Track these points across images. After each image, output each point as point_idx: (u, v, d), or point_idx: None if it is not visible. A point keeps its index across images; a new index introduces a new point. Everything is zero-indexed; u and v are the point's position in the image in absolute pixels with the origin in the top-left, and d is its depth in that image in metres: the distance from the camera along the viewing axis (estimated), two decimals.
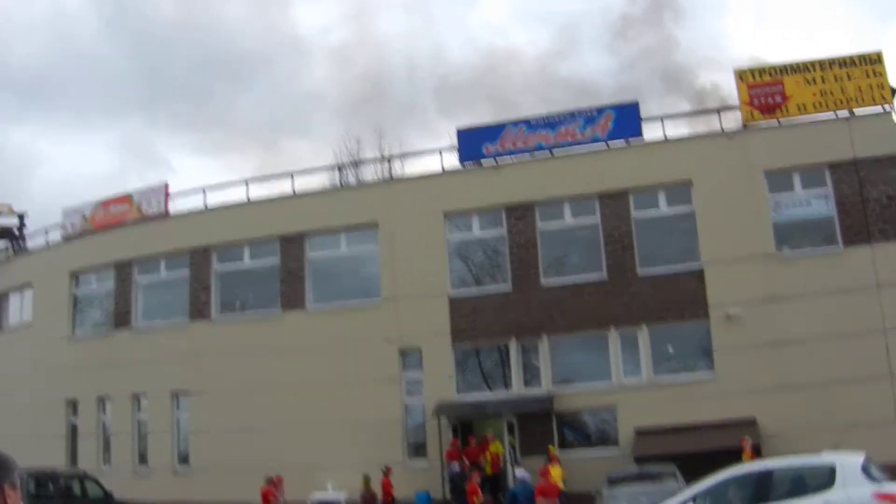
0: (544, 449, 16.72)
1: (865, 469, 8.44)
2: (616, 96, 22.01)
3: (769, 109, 17.73)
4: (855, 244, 17.16)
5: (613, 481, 13.31)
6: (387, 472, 16.17)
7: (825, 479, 8.39)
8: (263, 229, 19.16)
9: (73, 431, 21.07)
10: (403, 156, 22.37)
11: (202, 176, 60.57)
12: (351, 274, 18.74)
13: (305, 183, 19.49)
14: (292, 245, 18.87)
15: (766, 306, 16.97)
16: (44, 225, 22.44)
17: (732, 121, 18.22)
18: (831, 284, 16.85)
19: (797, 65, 17.90)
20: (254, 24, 50.80)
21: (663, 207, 17.82)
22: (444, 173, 18.84)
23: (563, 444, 17.51)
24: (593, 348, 17.83)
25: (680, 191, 17.81)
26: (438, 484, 16.80)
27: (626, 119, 17.84)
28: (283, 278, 18.83)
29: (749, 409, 16.44)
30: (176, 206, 20.08)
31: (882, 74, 17.74)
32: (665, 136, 18.22)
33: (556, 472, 13.99)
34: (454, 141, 18.55)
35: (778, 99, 17.77)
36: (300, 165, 29.08)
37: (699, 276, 17.45)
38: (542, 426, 17.40)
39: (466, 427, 17.95)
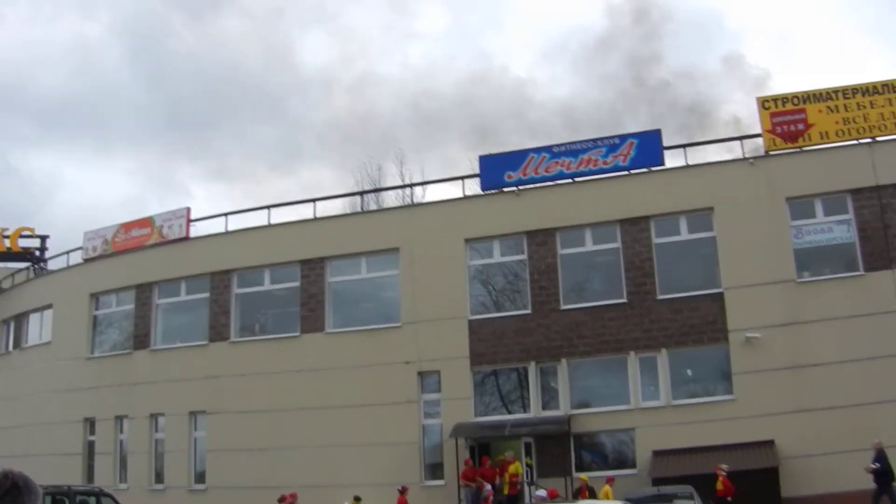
0: (561, 470, 17.91)
1: None
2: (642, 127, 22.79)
3: (792, 137, 18.77)
4: (876, 269, 18.35)
5: (632, 502, 14.17)
6: (403, 491, 17.39)
7: None
8: (284, 254, 20.38)
9: (90, 449, 22.14)
10: (426, 183, 23.40)
11: (220, 202, 62.68)
12: (371, 298, 19.76)
13: (326, 209, 20.41)
14: (313, 269, 19.90)
15: (786, 330, 18.36)
16: (65, 248, 23.55)
17: (755, 149, 18.95)
18: (852, 309, 18.19)
19: (819, 93, 19.03)
20: (269, 55, 52.29)
21: (684, 233, 19.07)
22: (466, 199, 20.20)
23: (581, 466, 18.69)
24: (612, 371, 19.25)
25: (701, 217, 19.00)
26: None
27: (649, 147, 19.01)
28: (303, 302, 19.95)
29: (767, 432, 17.70)
30: (197, 230, 21.01)
31: None
32: (687, 163, 19.01)
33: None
34: (476, 169, 19.33)
35: (800, 127, 18.86)
36: (320, 192, 30.05)
37: (719, 300, 18.76)
38: (559, 447, 18.80)
39: (484, 448, 19.24)
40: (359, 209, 23.46)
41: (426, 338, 19.53)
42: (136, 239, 22.21)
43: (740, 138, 20.25)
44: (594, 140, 19.77)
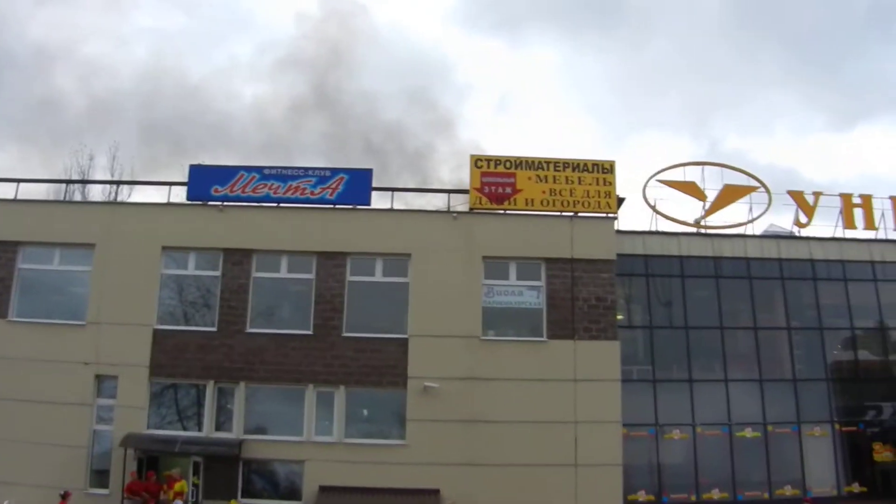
0: (228, 493, 19.30)
1: None
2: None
3: (499, 199, 20.14)
4: (559, 337, 20.41)
5: None
6: (65, 496, 18.04)
7: None
8: None
9: None
10: (133, 182, 23.87)
11: None
12: (60, 291, 20.03)
13: (29, 191, 20.56)
14: (5, 252, 20.57)
15: (465, 384, 20.11)
16: None
17: (462, 204, 20.26)
18: (532, 372, 20.20)
19: (532, 161, 20.74)
20: None
21: (379, 275, 20.20)
22: (170, 205, 20.84)
23: (249, 493, 19.42)
24: (289, 401, 20.53)
25: (398, 262, 20.19)
26: None
27: (358, 185, 20.32)
28: None
29: (435, 480, 19.44)
30: None
31: (611, 183, 20.58)
32: (392, 207, 20.09)
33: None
34: (185, 176, 19.96)
35: (508, 190, 20.15)
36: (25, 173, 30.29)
37: (404, 346, 20.33)
38: (229, 470, 19.66)
39: (152, 461, 19.84)
40: (63, 197, 23.58)
41: (109, 340, 20.21)
42: None
43: (449, 191, 21.64)
44: (306, 169, 20.96)
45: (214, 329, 20.42)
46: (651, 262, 21.80)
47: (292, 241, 20.72)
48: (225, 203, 20.96)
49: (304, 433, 19.94)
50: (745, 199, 22.64)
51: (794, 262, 22.13)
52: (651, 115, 70.29)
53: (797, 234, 22.81)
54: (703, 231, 22.34)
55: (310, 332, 20.34)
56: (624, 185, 21.55)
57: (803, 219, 22.72)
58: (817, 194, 22.82)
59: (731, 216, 22.67)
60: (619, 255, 20.96)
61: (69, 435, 19.71)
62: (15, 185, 21.33)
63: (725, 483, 20.47)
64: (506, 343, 20.36)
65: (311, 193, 20.78)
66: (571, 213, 21.09)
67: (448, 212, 21.18)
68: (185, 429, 20.33)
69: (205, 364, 20.25)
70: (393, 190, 21.65)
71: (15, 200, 21.47)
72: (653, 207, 22.37)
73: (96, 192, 25.63)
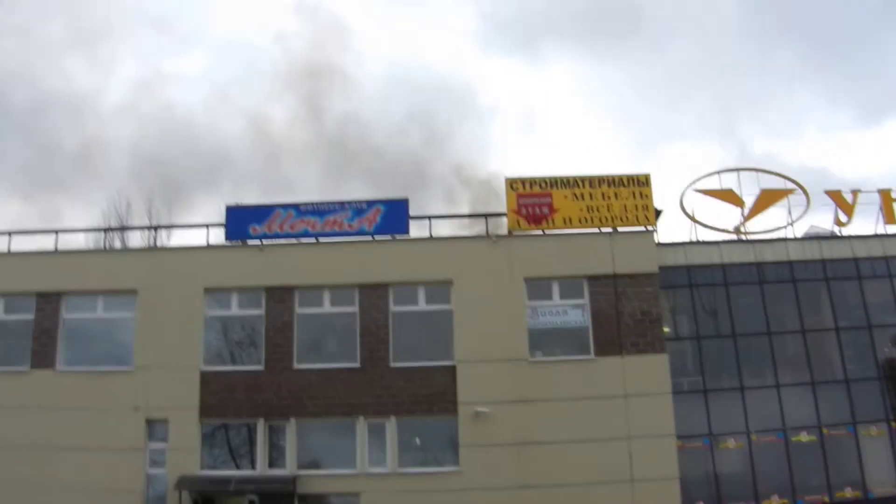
0: None
1: None
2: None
3: (536, 220, 20.64)
4: (606, 354, 20.75)
5: None
6: None
7: None
8: (21, 284, 21.10)
9: None
10: (171, 227, 24.49)
11: None
12: (105, 338, 20.81)
13: (69, 241, 21.32)
14: (49, 303, 20.98)
15: (515, 407, 20.47)
16: None
17: (500, 227, 20.89)
18: (580, 391, 20.53)
19: (567, 179, 21.15)
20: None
21: (422, 304, 20.77)
22: (209, 248, 21.45)
23: None
24: (341, 434, 20.97)
25: (440, 289, 20.78)
26: None
27: (395, 214, 20.87)
28: (36, 336, 20.94)
29: None
30: None
31: (648, 196, 21.02)
32: (431, 235, 20.67)
33: None
34: (223, 218, 20.61)
35: (545, 210, 20.66)
36: (60, 222, 31.43)
37: (451, 372, 20.80)
38: None
39: (208, 502, 20.27)
40: (102, 245, 24.31)
41: (157, 385, 20.76)
42: None
43: (486, 215, 22.16)
44: (342, 202, 21.51)
45: (262, 367, 20.97)
46: (694, 272, 22.12)
47: (333, 275, 21.24)
48: (264, 241, 21.61)
49: (358, 465, 20.40)
50: (783, 202, 22.96)
51: (837, 261, 22.37)
52: (677, 122, 70.78)
53: (838, 233, 23.11)
54: (743, 237, 22.65)
55: (357, 365, 20.85)
56: (660, 196, 21.95)
57: (843, 217, 23.03)
58: (855, 192, 23.13)
59: (770, 220, 23.01)
60: (661, 268, 21.36)
61: (123, 480, 20.26)
62: (54, 235, 22.12)
63: (784, 489, 20.72)
64: (554, 363, 20.80)
65: (349, 226, 21.35)
66: (611, 229, 21.53)
67: (487, 236, 21.66)
68: (238, 468, 20.90)
69: (254, 402, 20.81)
70: (430, 217, 22.16)
71: (56, 252, 22.21)
72: (691, 217, 22.75)
73: (135, 239, 26.45)
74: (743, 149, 62.51)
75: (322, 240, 21.65)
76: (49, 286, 21.72)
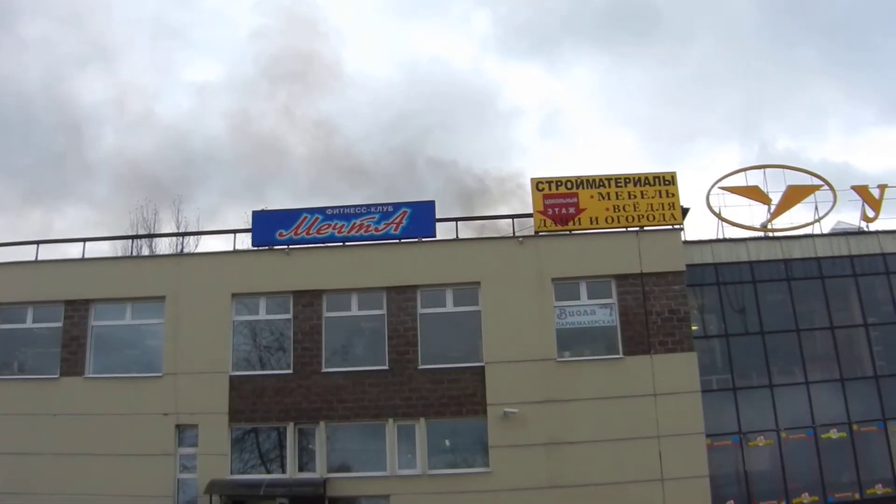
0: None
1: None
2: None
3: (562, 220, 21.06)
4: (635, 353, 21.13)
5: None
6: None
7: None
8: (49, 292, 21.64)
9: None
10: (199, 233, 25.04)
11: None
12: (134, 345, 21.26)
13: (96, 250, 21.76)
14: (77, 311, 21.50)
15: (544, 407, 20.90)
16: None
17: (527, 228, 21.28)
18: (609, 390, 20.92)
19: (593, 179, 21.52)
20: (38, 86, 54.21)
21: (450, 306, 21.20)
22: (236, 253, 21.98)
23: None
24: (371, 437, 21.42)
25: (468, 291, 21.24)
26: None
27: (421, 217, 21.30)
28: (65, 343, 21.63)
29: None
30: None
31: (674, 195, 21.42)
32: (457, 237, 21.10)
33: None
34: (249, 223, 21.08)
35: (572, 210, 21.08)
36: (85, 232, 32.12)
37: (480, 374, 21.14)
38: None
39: None
40: (129, 252, 24.78)
41: (186, 390, 21.21)
42: None
43: (513, 216, 22.53)
44: (368, 206, 21.92)
45: (290, 371, 21.40)
46: (721, 269, 22.48)
47: (361, 279, 21.66)
48: (290, 246, 22.05)
49: (388, 468, 20.83)
50: (810, 198, 23.26)
51: (865, 257, 22.67)
52: (697, 122, 71.40)
53: (866, 228, 23.44)
54: (770, 234, 23.00)
55: (386, 368, 21.27)
56: (685, 195, 22.30)
57: (870, 213, 23.32)
58: (882, 187, 23.38)
59: (797, 217, 23.36)
60: (688, 266, 21.68)
61: (154, 486, 20.80)
62: (82, 244, 22.66)
63: (815, 486, 21.05)
64: (582, 363, 21.16)
65: (376, 230, 21.80)
66: (637, 228, 21.86)
67: (514, 237, 22.06)
68: (268, 472, 21.32)
69: (283, 406, 21.25)
70: (457, 220, 22.57)
71: (83, 259, 22.73)
72: (718, 215, 23.12)
73: (163, 246, 27.06)
74: (764, 147, 63.05)
75: (349, 243, 22.14)
76: (77, 294, 22.20)
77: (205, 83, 63.81)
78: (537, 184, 22.22)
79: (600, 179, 22.19)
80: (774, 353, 22.18)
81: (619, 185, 22.14)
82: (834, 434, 21.57)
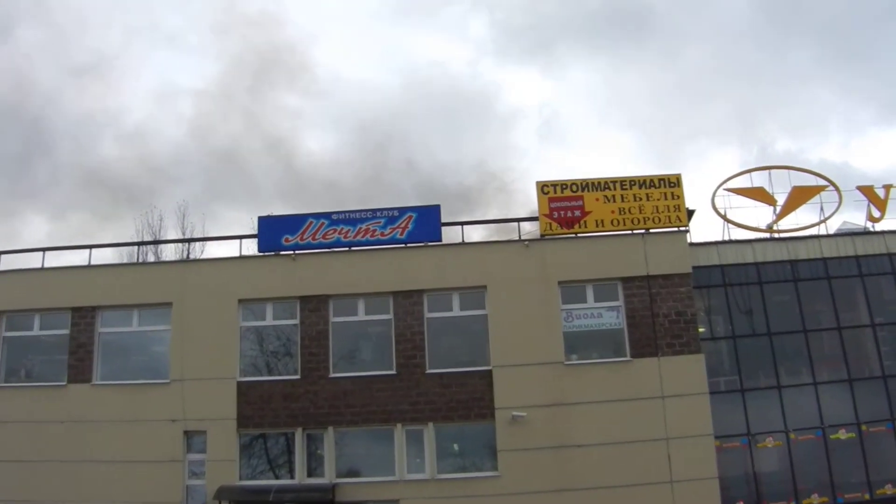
0: None
1: None
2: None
3: (568, 223, 21.33)
4: (642, 356, 21.39)
5: None
6: None
7: None
8: (56, 299, 22.07)
9: None
10: (204, 239, 25.35)
11: None
12: (141, 351, 21.54)
13: (101, 257, 22.14)
14: (84, 318, 21.79)
15: (552, 410, 21.18)
16: None
17: (533, 231, 21.66)
18: (617, 393, 21.23)
19: (598, 182, 21.92)
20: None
21: (456, 310, 21.43)
22: (242, 258, 22.29)
23: None
24: (379, 441, 21.72)
25: (474, 295, 21.46)
26: None
27: (427, 221, 21.65)
28: (72, 350, 21.83)
29: None
30: None
31: (679, 197, 21.76)
32: (463, 241, 21.42)
33: None
34: (254, 229, 21.42)
35: (577, 213, 21.35)
36: (87, 240, 32.61)
37: (487, 378, 21.44)
38: None
39: None
40: (135, 259, 25.13)
41: (194, 396, 21.53)
42: None
43: (518, 220, 22.90)
44: (374, 210, 22.25)
45: (298, 377, 21.69)
46: (727, 271, 22.70)
47: (367, 284, 21.97)
48: (296, 252, 22.37)
49: (397, 473, 21.08)
50: (815, 199, 23.52)
51: (871, 257, 22.91)
52: (696, 123, 71.88)
53: (872, 229, 23.68)
54: (776, 235, 23.26)
55: (393, 372, 21.55)
56: (688, 197, 22.61)
57: (876, 213, 23.60)
58: (888, 187, 23.63)
59: (802, 218, 23.60)
60: (694, 268, 21.99)
61: (162, 492, 21.07)
62: (88, 251, 22.99)
63: (824, 487, 21.24)
64: (590, 366, 21.44)
65: (381, 234, 22.13)
66: (643, 230, 22.20)
67: (520, 240, 22.36)
68: (277, 477, 21.58)
69: (291, 412, 21.55)
70: (463, 224, 22.90)
71: (90, 266, 23.05)
72: (723, 217, 23.34)
73: (169, 252, 27.40)
74: (764, 148, 63.47)
75: (355, 248, 22.45)
76: (84, 301, 22.53)
77: (204, 90, 64.08)
78: (542, 186, 22.54)
79: (605, 182, 22.52)
80: (782, 354, 22.42)
81: (624, 187, 22.46)
82: (843, 434, 21.80)
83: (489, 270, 21.95)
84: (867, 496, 21.35)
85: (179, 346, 21.91)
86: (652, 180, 22.52)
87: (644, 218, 22.29)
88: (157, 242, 27.87)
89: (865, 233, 23.64)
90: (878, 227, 23.70)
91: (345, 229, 22.19)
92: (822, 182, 23.80)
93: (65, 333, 22.55)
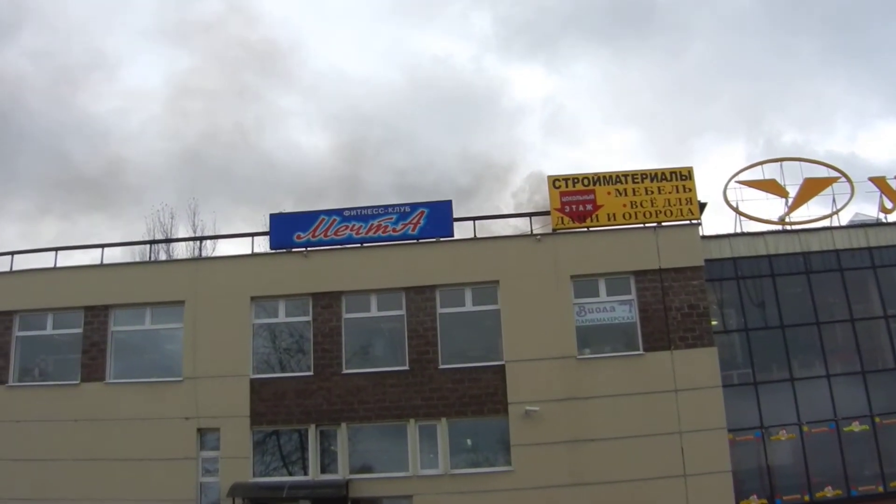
0: None
1: None
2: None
3: (580, 217, 21.52)
4: (655, 349, 21.63)
5: None
6: None
7: None
8: (68, 299, 22.39)
9: None
10: (216, 237, 25.61)
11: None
12: (153, 350, 21.83)
13: (113, 256, 22.40)
14: (97, 317, 22.00)
15: (565, 405, 21.45)
16: None
17: (545, 226, 21.83)
18: (630, 387, 21.48)
19: (609, 175, 22.18)
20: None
21: (469, 305, 21.71)
22: (254, 256, 22.67)
23: None
24: (393, 437, 21.98)
25: (487, 290, 21.68)
26: None
27: (439, 217, 21.93)
28: (85, 349, 21.97)
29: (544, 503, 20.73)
30: None
31: (691, 189, 21.98)
32: (475, 236, 21.64)
33: None
34: (266, 226, 21.66)
35: (589, 207, 21.61)
36: (97, 238, 32.92)
37: (501, 372, 21.70)
38: None
39: None
40: (147, 257, 25.39)
41: (207, 394, 21.81)
42: None
43: (529, 215, 23.03)
44: (385, 206, 22.50)
45: (311, 373, 21.94)
46: (740, 264, 22.91)
47: (379, 280, 22.23)
48: (308, 248, 22.61)
49: (410, 468, 21.35)
50: (827, 190, 23.72)
51: (884, 248, 23.06)
52: (702, 116, 71.99)
53: (884, 220, 23.84)
54: (788, 228, 23.45)
55: (406, 368, 21.80)
56: (699, 190, 22.78)
57: (888, 204, 23.74)
58: None
59: (814, 210, 23.78)
60: (707, 261, 22.16)
61: (176, 490, 21.36)
62: (100, 250, 23.25)
63: (838, 480, 21.47)
64: (602, 360, 21.65)
65: (393, 230, 22.36)
66: (655, 224, 22.38)
67: (531, 235, 22.61)
68: (290, 474, 21.83)
69: (304, 409, 21.81)
70: (475, 219, 23.04)
71: (102, 265, 23.34)
72: (735, 209, 23.55)
73: (180, 250, 27.67)
74: (770, 141, 63.61)
75: (367, 244, 22.70)
76: (97, 300, 22.82)
77: (210, 90, 64.24)
78: (554, 181, 22.74)
79: (617, 176, 22.71)
80: (795, 347, 22.63)
81: (635, 180, 22.65)
82: (856, 427, 22.00)
83: (501, 265, 22.16)
84: (881, 488, 21.56)
85: (192, 343, 22.19)
86: (664, 173, 22.70)
87: (656, 211, 22.48)
88: (168, 241, 28.25)
89: (878, 224, 23.82)
90: (891, 217, 23.88)
91: (357, 226, 22.42)
92: (834, 173, 23.99)
93: (78, 332, 22.83)
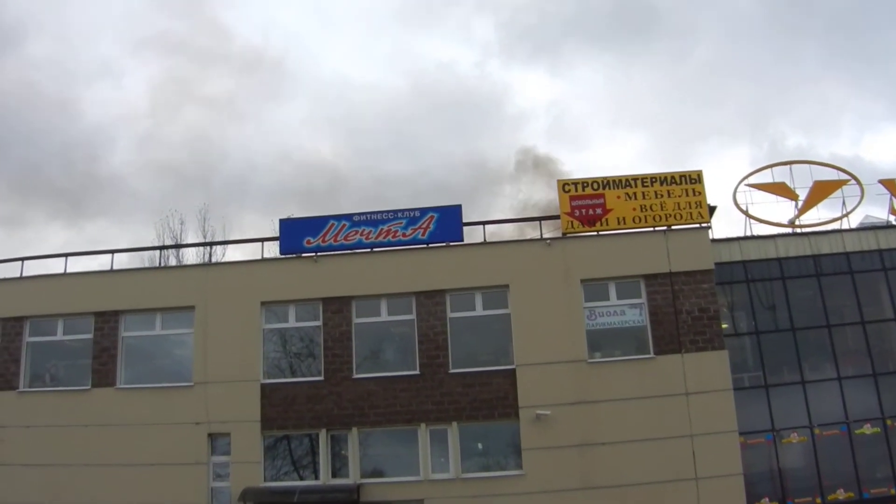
0: None
1: None
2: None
3: (590, 221, 21.73)
4: (666, 353, 21.80)
5: None
6: None
7: None
8: (79, 304, 22.66)
9: None
10: (226, 242, 25.92)
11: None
12: (164, 355, 22.05)
13: (124, 261, 22.62)
14: (107, 322, 22.29)
15: (576, 409, 21.63)
16: None
17: (555, 230, 22.10)
18: (641, 390, 21.59)
19: (619, 179, 22.32)
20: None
21: (479, 309, 21.95)
22: (264, 261, 22.96)
23: None
24: (403, 442, 22.18)
25: (497, 294, 21.91)
26: None
27: (449, 221, 22.12)
28: (95, 355, 22.33)
29: None
30: None
31: (701, 193, 22.14)
32: (485, 240, 21.84)
33: None
34: (276, 231, 21.91)
35: (599, 211, 21.79)
36: (105, 245, 33.23)
37: (511, 377, 21.84)
38: None
39: None
40: (157, 263, 25.63)
41: (218, 399, 22.03)
42: None
43: (540, 219, 23.28)
44: (395, 211, 22.72)
45: (321, 378, 22.17)
46: (750, 267, 23.08)
47: (390, 284, 22.45)
48: (318, 253, 22.87)
49: (421, 472, 21.52)
50: (837, 193, 23.92)
51: (894, 251, 23.17)
52: (707, 120, 72.24)
53: (894, 222, 24.02)
54: (798, 231, 23.67)
55: (416, 373, 21.99)
56: (708, 194, 22.98)
57: None
58: None
59: (824, 212, 23.99)
60: (717, 264, 22.34)
61: (187, 494, 21.58)
62: (110, 255, 23.53)
63: (849, 482, 21.60)
64: (613, 364, 21.83)
65: (403, 235, 22.59)
66: (665, 227, 22.56)
67: (541, 239, 22.82)
68: (301, 479, 22.07)
69: (315, 413, 22.03)
70: (484, 223, 23.32)
71: (112, 271, 23.60)
72: (745, 212, 23.75)
73: (190, 256, 27.94)
74: (774, 144, 63.84)
75: (376, 249, 22.91)
76: (107, 305, 23.08)
77: (223, 96, 64.41)
78: (563, 185, 22.97)
79: (626, 179, 22.92)
80: (806, 350, 22.81)
81: (645, 184, 22.85)
82: (868, 429, 22.15)
83: (511, 270, 22.36)
84: (893, 491, 21.70)
85: (202, 348, 22.42)
86: (673, 177, 22.90)
87: (666, 215, 22.67)
88: (178, 246, 28.46)
89: (888, 226, 23.99)
90: None
91: (366, 230, 22.65)
92: (844, 176, 24.19)
93: (88, 338, 23.09)
